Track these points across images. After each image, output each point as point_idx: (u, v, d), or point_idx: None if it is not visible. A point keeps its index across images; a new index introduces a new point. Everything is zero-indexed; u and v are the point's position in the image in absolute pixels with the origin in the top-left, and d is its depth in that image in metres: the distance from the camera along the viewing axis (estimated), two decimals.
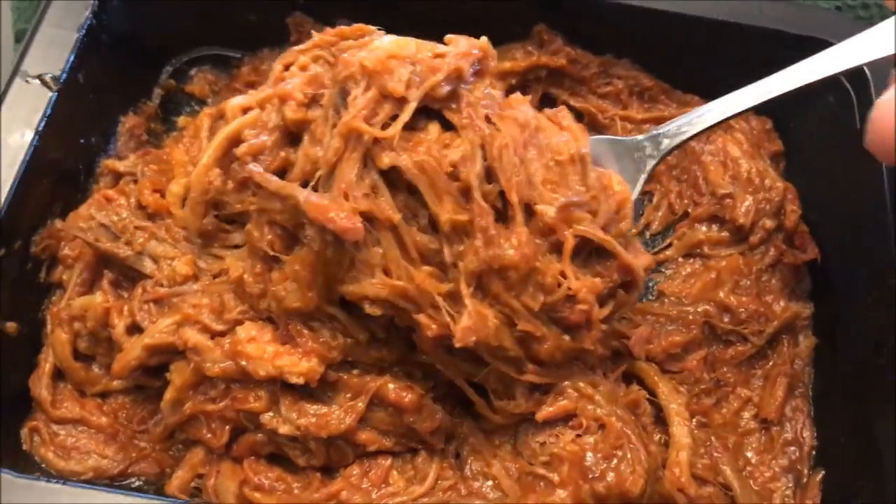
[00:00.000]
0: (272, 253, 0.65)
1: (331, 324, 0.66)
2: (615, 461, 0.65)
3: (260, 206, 0.65)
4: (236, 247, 0.73)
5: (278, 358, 0.65)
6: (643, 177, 0.73)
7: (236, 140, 0.68)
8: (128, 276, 0.75)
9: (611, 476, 0.64)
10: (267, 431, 0.67)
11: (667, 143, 0.72)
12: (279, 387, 0.66)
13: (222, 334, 0.68)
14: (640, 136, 0.73)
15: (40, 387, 0.73)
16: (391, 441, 0.67)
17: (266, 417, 0.66)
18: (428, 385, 0.68)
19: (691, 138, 0.72)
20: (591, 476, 0.64)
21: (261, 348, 0.65)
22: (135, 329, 0.70)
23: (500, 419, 0.68)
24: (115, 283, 0.75)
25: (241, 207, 0.70)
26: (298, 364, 0.64)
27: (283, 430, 0.65)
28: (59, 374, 0.75)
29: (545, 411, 0.66)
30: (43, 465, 0.72)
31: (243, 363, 0.65)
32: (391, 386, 0.66)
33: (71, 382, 0.74)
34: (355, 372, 0.67)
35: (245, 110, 0.69)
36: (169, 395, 0.68)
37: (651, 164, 0.72)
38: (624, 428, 0.66)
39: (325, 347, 0.65)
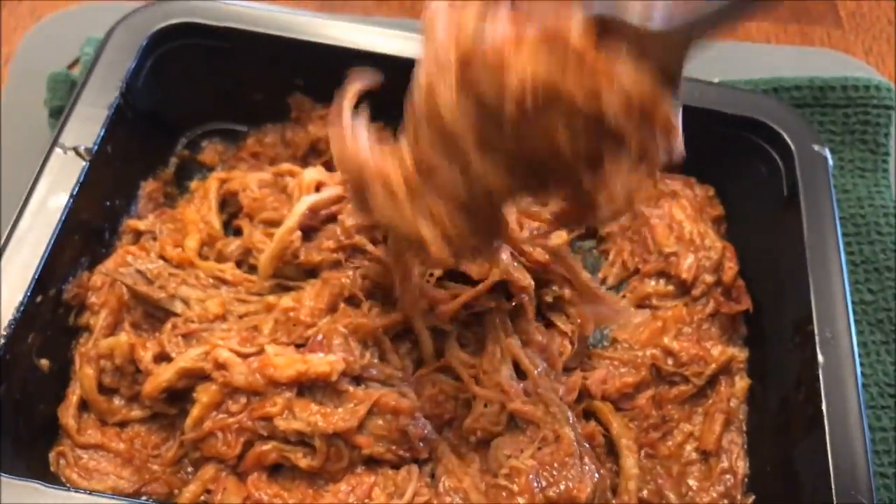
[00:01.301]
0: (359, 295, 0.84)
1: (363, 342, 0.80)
2: (566, 470, 0.75)
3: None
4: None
5: (304, 362, 0.76)
6: None
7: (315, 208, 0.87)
8: (149, 320, 0.85)
9: (562, 484, 0.74)
10: (277, 435, 0.76)
11: None
12: (295, 393, 0.77)
13: (251, 355, 0.79)
14: None
15: (68, 416, 0.83)
16: (384, 447, 0.77)
17: (280, 420, 0.76)
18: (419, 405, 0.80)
19: None
20: (545, 483, 0.74)
21: (289, 358, 0.77)
22: (162, 358, 0.81)
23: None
24: (136, 325, 0.85)
25: (318, 258, 0.86)
26: (323, 361, 0.76)
27: (296, 425, 0.75)
28: (83, 406, 0.84)
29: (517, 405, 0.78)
30: (67, 486, 0.82)
31: (270, 371, 0.76)
32: (391, 396, 0.78)
33: (94, 413, 0.84)
34: (361, 387, 0.79)
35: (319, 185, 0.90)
36: (195, 412, 0.77)
37: None
38: (577, 442, 0.77)
39: (351, 358, 0.78)
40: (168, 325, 0.83)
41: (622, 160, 0.62)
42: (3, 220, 0.84)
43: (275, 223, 0.90)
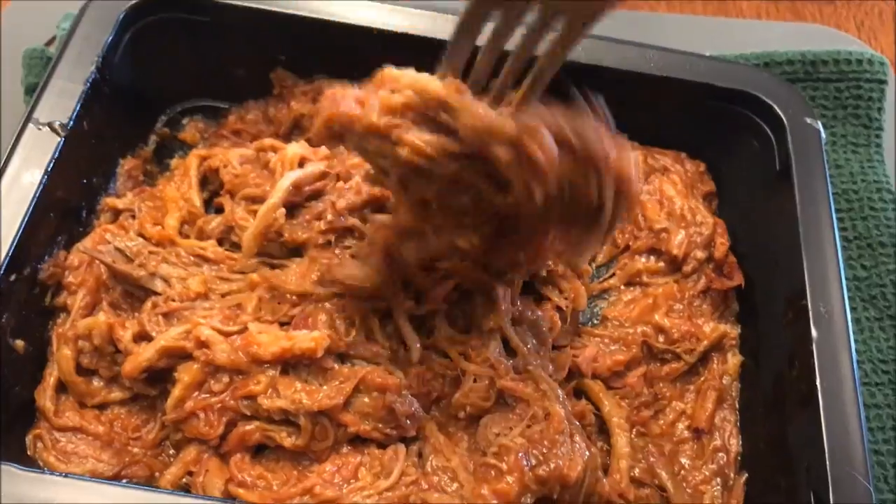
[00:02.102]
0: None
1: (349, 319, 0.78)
2: (556, 448, 0.73)
3: None
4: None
5: (288, 339, 0.75)
6: None
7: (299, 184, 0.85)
8: (128, 300, 0.83)
9: (552, 462, 0.72)
10: (261, 414, 0.75)
11: None
12: (279, 371, 0.75)
13: (234, 334, 0.77)
14: None
15: (45, 398, 0.81)
16: (370, 425, 0.76)
17: (264, 398, 0.74)
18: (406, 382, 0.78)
19: None
20: (535, 461, 0.73)
21: (273, 335, 0.75)
22: (142, 338, 0.79)
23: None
24: (114, 305, 0.83)
25: (304, 236, 0.85)
26: (307, 337, 0.74)
27: (280, 403, 0.74)
28: (61, 388, 0.82)
29: (507, 381, 0.77)
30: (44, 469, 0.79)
31: (253, 348, 0.74)
32: (377, 372, 0.76)
33: (73, 395, 0.82)
34: (347, 365, 0.77)
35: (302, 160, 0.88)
36: (177, 392, 0.76)
37: None
38: (567, 420, 0.75)
39: (336, 335, 0.76)
40: (148, 304, 0.81)
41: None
42: None
43: (257, 200, 0.88)
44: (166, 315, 0.80)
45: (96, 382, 0.83)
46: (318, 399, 0.74)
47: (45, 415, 0.81)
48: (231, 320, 0.79)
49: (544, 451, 0.73)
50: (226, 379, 0.76)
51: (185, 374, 0.76)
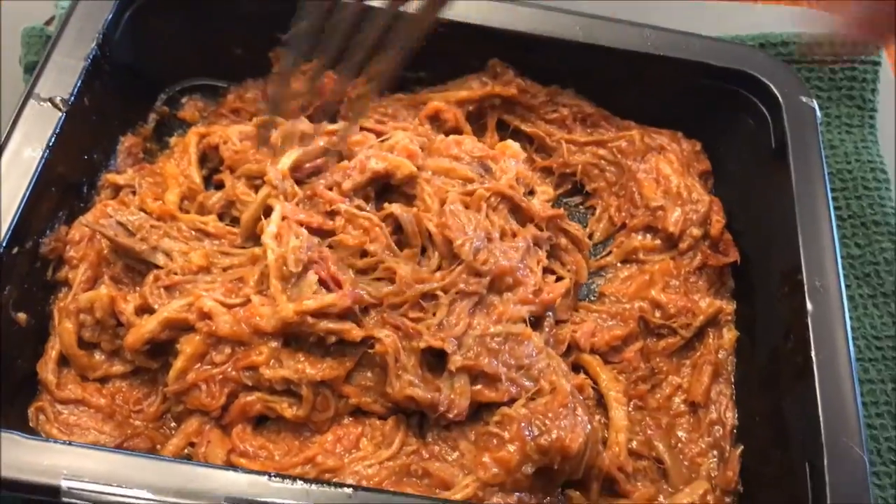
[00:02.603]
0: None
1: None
2: (559, 420, 0.74)
3: None
4: None
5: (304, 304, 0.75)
6: None
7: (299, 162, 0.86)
8: (130, 274, 0.84)
9: (554, 433, 0.73)
10: (262, 385, 0.75)
11: None
12: (281, 344, 0.75)
13: (236, 306, 0.77)
14: None
15: (47, 371, 0.81)
16: (371, 398, 0.76)
17: (266, 369, 0.75)
18: None
19: None
20: (537, 432, 0.73)
21: (282, 305, 0.75)
22: (144, 311, 0.79)
23: None
24: (116, 279, 0.84)
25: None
26: (328, 296, 0.75)
27: (283, 373, 0.74)
28: (63, 361, 0.83)
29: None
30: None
31: (256, 320, 0.75)
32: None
33: (74, 368, 0.82)
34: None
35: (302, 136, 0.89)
36: (179, 363, 0.76)
37: None
38: (572, 394, 0.76)
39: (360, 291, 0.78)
40: (150, 278, 0.81)
41: None
42: None
43: (257, 176, 0.89)
44: (168, 288, 0.80)
45: (98, 356, 0.83)
46: (321, 369, 0.75)
47: (48, 387, 0.81)
48: (233, 293, 0.79)
49: (546, 422, 0.73)
50: (227, 350, 0.76)
51: (188, 345, 0.77)
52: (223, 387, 0.76)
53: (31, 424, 0.81)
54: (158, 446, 0.80)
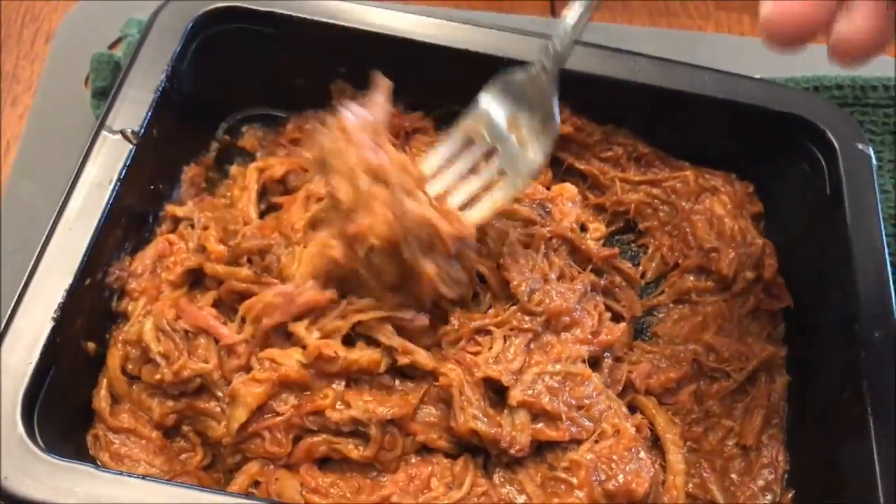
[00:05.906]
0: None
1: None
2: (624, 464, 0.75)
3: None
4: None
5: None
6: (554, 100, 0.82)
7: None
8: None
9: (621, 477, 0.74)
10: (328, 427, 0.76)
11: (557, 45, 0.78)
12: (344, 386, 0.77)
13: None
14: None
15: (100, 399, 0.82)
16: (437, 434, 0.78)
17: (332, 412, 0.76)
18: None
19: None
20: (604, 477, 0.74)
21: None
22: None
23: None
24: None
25: None
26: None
27: (352, 413, 0.75)
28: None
29: None
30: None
31: (320, 364, 0.76)
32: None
33: (115, 395, 0.83)
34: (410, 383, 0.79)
35: None
36: (240, 415, 0.76)
37: (552, 83, 0.81)
38: (635, 437, 0.77)
39: None
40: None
41: None
42: (47, 200, 0.83)
43: None
44: None
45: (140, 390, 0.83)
46: (390, 407, 0.76)
47: (101, 415, 0.82)
48: None
49: (612, 466, 0.74)
50: (292, 399, 0.77)
51: (248, 396, 0.76)
52: (287, 432, 0.77)
53: (91, 452, 0.81)
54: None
